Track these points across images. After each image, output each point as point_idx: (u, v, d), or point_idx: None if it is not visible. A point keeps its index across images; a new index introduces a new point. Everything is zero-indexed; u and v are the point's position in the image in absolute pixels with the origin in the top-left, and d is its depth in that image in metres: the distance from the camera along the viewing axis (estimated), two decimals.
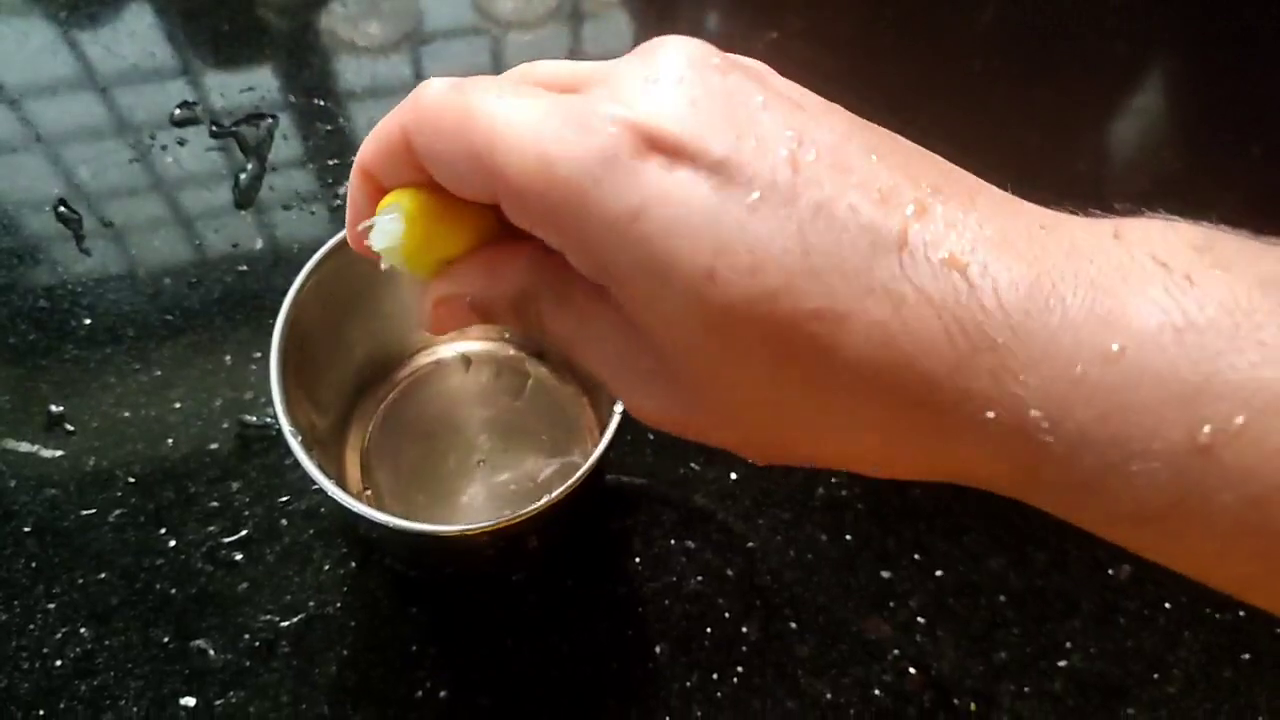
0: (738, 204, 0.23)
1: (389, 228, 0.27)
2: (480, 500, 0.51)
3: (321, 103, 0.65)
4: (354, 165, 0.28)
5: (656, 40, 0.25)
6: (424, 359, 0.54)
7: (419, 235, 0.27)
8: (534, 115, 0.24)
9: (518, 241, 0.27)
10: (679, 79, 0.24)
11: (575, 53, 0.70)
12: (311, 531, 0.51)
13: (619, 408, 0.41)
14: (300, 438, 0.39)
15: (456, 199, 0.26)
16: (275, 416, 0.52)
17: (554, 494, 0.39)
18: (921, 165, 0.25)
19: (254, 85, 0.65)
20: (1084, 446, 0.22)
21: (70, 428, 0.54)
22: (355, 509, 0.38)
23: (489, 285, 0.27)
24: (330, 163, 0.63)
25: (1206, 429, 0.21)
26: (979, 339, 0.22)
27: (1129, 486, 0.21)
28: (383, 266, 0.28)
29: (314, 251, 0.44)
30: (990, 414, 0.22)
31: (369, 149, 0.27)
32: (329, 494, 0.39)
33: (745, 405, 0.24)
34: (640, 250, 0.23)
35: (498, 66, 0.67)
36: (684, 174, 0.23)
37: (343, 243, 0.44)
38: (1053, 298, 0.22)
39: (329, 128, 0.64)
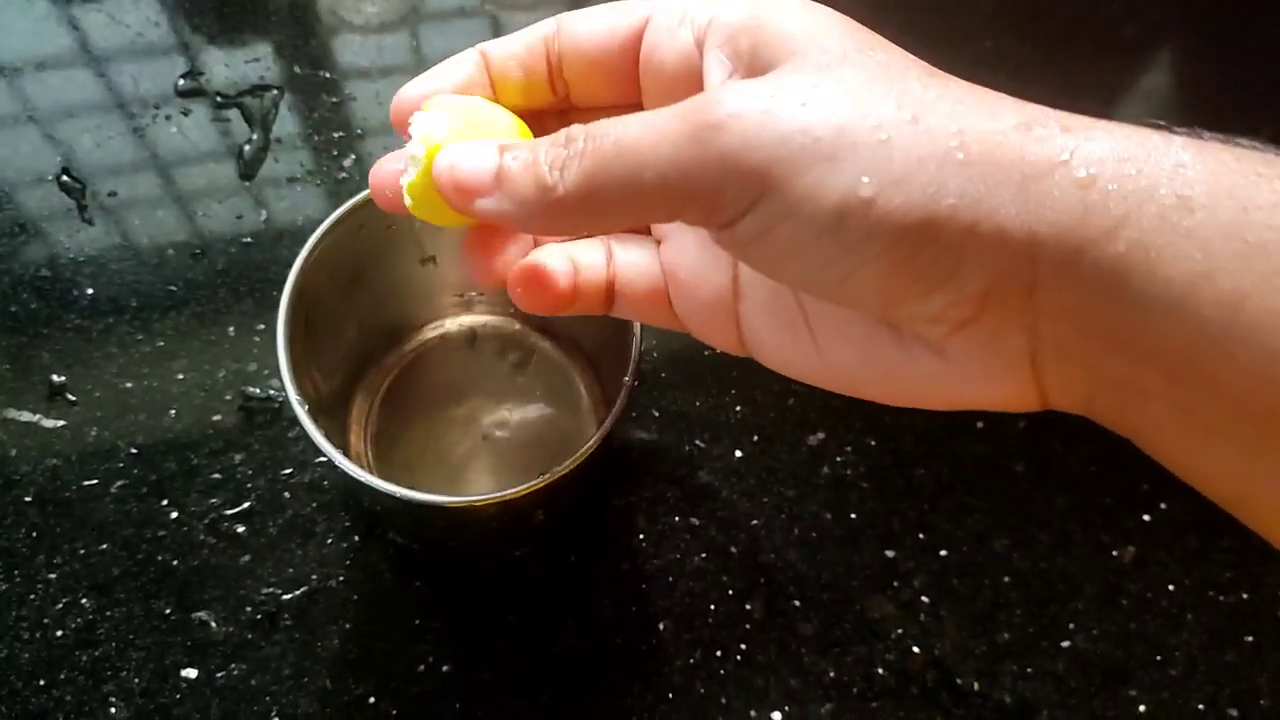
0: (869, 134, 0.23)
1: (429, 128, 0.26)
2: (483, 474, 0.51)
3: (327, 75, 0.65)
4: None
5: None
6: (429, 332, 0.54)
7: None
8: (654, 127, 0.24)
9: None
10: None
11: None
12: (314, 504, 0.51)
13: (628, 380, 0.41)
14: (307, 407, 0.39)
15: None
16: (278, 389, 0.53)
17: (562, 466, 0.39)
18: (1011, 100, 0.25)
19: (259, 57, 0.65)
20: (1182, 298, 0.21)
21: (72, 398, 0.53)
22: (363, 479, 0.38)
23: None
24: (335, 135, 0.62)
25: None
26: (1143, 179, 0.22)
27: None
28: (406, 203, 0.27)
29: (318, 225, 0.44)
30: (1139, 244, 0.21)
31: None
32: (336, 464, 0.38)
33: (860, 291, 0.24)
34: (790, 150, 0.23)
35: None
36: (813, 105, 0.23)
37: (349, 213, 0.44)
38: (1197, 149, 0.22)
39: (334, 100, 0.63)
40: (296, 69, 0.64)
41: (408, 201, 0.27)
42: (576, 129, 0.25)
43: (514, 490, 0.39)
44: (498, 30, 0.68)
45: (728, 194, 0.23)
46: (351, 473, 0.38)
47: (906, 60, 0.25)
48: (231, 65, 0.64)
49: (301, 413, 0.39)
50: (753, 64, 0.25)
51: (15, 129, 0.61)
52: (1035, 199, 0.22)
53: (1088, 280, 0.22)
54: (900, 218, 0.22)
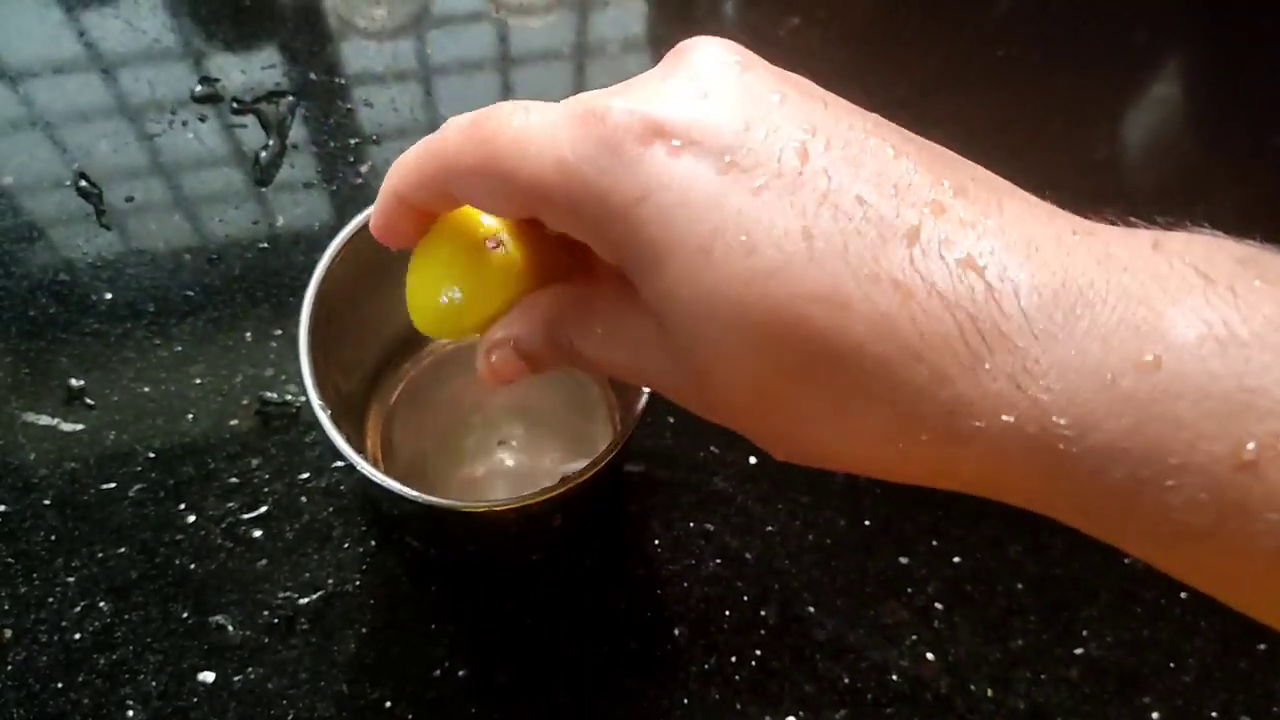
0: (740, 188, 0.23)
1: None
2: (499, 479, 0.51)
3: (343, 81, 0.65)
4: (385, 190, 0.29)
5: (683, 43, 0.26)
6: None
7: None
8: (549, 120, 0.25)
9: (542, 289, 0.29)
10: (695, 75, 0.25)
11: (583, 41, 0.69)
12: (331, 509, 0.51)
13: (647, 389, 0.41)
14: (329, 412, 0.39)
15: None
16: (295, 394, 0.53)
17: (581, 473, 0.39)
18: (948, 167, 0.24)
19: (274, 63, 0.65)
20: (1113, 460, 0.20)
21: (90, 402, 0.53)
22: (384, 484, 0.38)
23: (527, 322, 0.29)
24: (352, 141, 0.62)
25: (1251, 446, 0.19)
26: (996, 341, 0.21)
27: (1162, 505, 0.20)
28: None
29: (335, 230, 0.44)
30: (1009, 418, 0.21)
31: (404, 181, 0.29)
32: (358, 469, 0.39)
33: (752, 394, 0.24)
34: (644, 232, 0.23)
35: (504, 52, 0.67)
36: (688, 159, 0.23)
37: (360, 226, 0.44)
38: (1080, 305, 0.21)
39: (349, 106, 0.64)
40: (312, 75, 0.65)
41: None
42: (563, 343, 0.29)
43: (533, 495, 0.39)
44: (505, 36, 0.68)
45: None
46: (373, 477, 0.39)
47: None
48: (247, 71, 0.64)
49: (324, 418, 0.39)
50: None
51: (32, 135, 0.61)
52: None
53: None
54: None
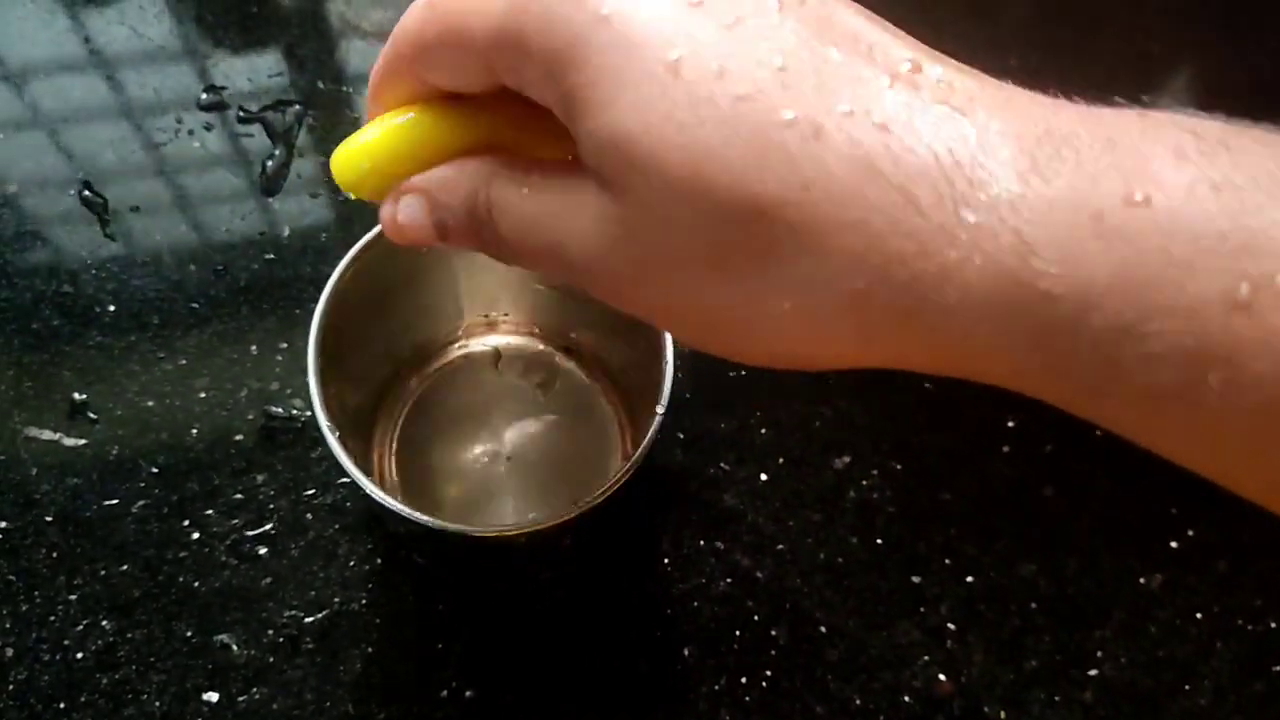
0: (713, 20, 0.22)
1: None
2: (507, 496, 0.51)
3: (349, 90, 0.64)
4: (368, 102, 0.29)
5: None
6: (454, 352, 0.54)
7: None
8: None
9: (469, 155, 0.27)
10: None
11: None
12: (337, 526, 0.51)
13: (660, 409, 0.41)
14: (337, 434, 0.39)
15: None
16: (301, 408, 0.52)
17: (595, 496, 0.39)
18: (927, 47, 0.23)
19: (280, 71, 0.64)
20: (1097, 302, 0.19)
21: (93, 416, 0.53)
22: (393, 507, 0.38)
23: (448, 178, 0.27)
24: None
25: (1244, 287, 0.18)
26: (975, 174, 0.20)
27: (1145, 356, 0.19)
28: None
29: (342, 240, 0.44)
30: (990, 248, 0.20)
31: (377, 79, 0.28)
32: (368, 492, 0.38)
33: (703, 249, 0.22)
34: (605, 56, 0.22)
35: None
36: None
37: (380, 235, 0.43)
38: (1065, 149, 0.20)
39: (356, 115, 0.63)
40: (319, 84, 0.64)
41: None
42: (479, 202, 0.26)
43: (545, 521, 0.39)
44: None
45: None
46: (382, 501, 0.38)
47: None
48: (254, 79, 0.64)
49: (333, 440, 0.39)
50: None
51: (37, 142, 0.61)
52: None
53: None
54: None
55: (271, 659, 0.48)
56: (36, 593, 0.49)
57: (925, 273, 0.21)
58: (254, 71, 0.64)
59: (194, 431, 0.53)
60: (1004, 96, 0.22)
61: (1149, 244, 0.19)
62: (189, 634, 0.48)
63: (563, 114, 0.24)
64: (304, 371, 0.41)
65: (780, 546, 0.52)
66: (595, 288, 0.25)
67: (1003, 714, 0.49)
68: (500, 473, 0.51)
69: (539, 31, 0.23)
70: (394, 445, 0.52)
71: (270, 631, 0.48)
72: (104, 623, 0.48)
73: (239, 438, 0.53)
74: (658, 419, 0.40)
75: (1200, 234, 0.19)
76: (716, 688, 0.48)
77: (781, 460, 0.54)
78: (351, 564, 0.50)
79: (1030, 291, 0.20)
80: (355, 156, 0.27)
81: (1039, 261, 0.20)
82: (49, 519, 0.50)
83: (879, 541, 0.52)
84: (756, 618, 0.50)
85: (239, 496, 0.51)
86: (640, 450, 0.40)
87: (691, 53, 0.21)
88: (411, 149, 0.27)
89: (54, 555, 0.50)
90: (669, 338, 0.42)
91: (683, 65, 0.21)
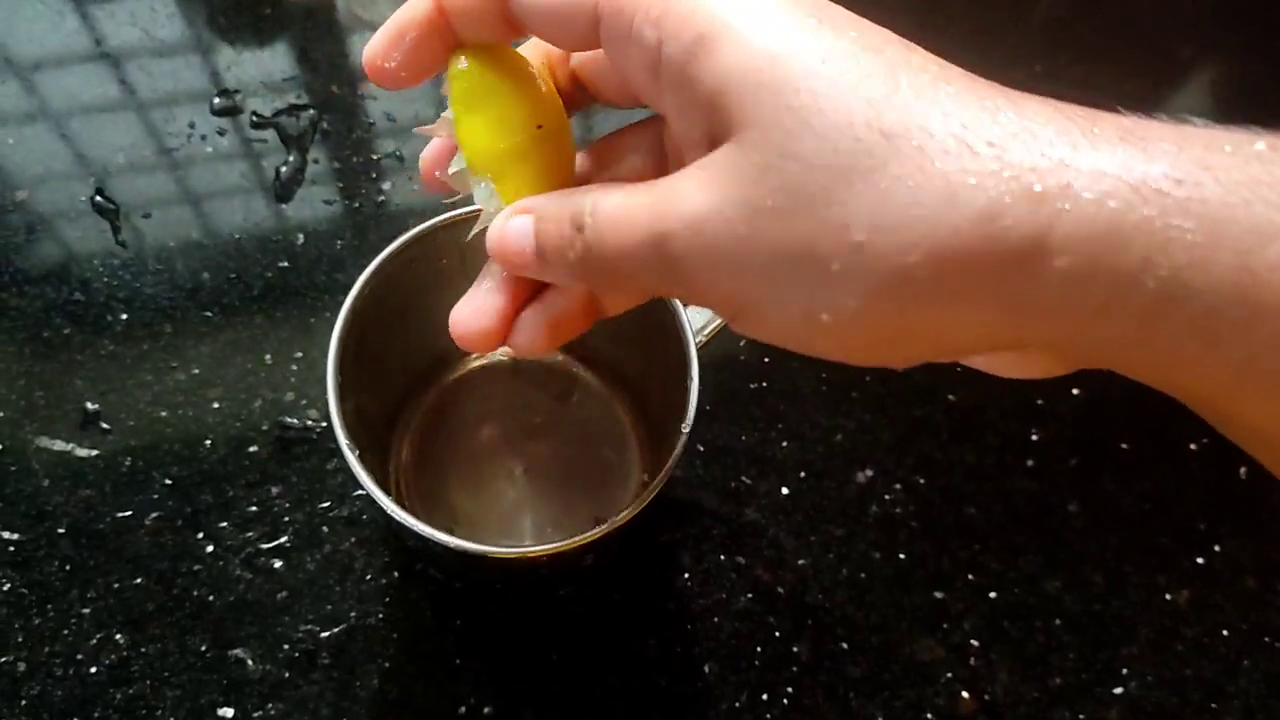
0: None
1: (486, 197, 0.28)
2: (525, 508, 0.50)
3: (363, 95, 0.63)
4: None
5: None
6: (472, 362, 0.53)
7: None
8: None
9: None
10: None
11: None
12: (353, 539, 0.50)
13: (685, 427, 0.40)
14: (358, 453, 0.38)
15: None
16: (316, 419, 0.52)
17: (620, 517, 0.38)
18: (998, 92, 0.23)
19: (294, 75, 0.63)
20: (1221, 222, 0.19)
21: (106, 426, 0.52)
22: (412, 525, 0.37)
23: (551, 203, 0.27)
24: (374, 157, 0.61)
25: None
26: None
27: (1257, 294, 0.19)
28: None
29: (356, 249, 0.43)
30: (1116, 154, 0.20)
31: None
32: (389, 512, 0.37)
33: (830, 176, 0.21)
34: None
35: None
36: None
37: (401, 248, 0.43)
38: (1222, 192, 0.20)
39: (371, 121, 0.62)
40: (334, 88, 0.63)
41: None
42: (585, 211, 0.25)
43: (568, 542, 0.38)
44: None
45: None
46: (402, 520, 0.37)
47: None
48: (267, 83, 0.63)
49: (352, 459, 0.38)
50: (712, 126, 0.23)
51: (47, 146, 0.60)
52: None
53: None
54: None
55: (287, 674, 0.47)
56: (49, 606, 0.48)
57: (1046, 191, 0.20)
58: (267, 75, 0.63)
59: (208, 442, 0.52)
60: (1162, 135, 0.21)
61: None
62: (203, 648, 0.48)
63: (682, 53, 0.23)
64: (319, 381, 0.40)
65: (802, 561, 0.51)
66: (695, 276, 0.24)
67: None
68: (518, 484, 0.51)
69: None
70: (410, 456, 0.51)
71: (286, 646, 0.48)
72: (117, 637, 0.48)
73: (253, 449, 0.52)
74: (683, 438, 0.40)
75: None
76: (737, 705, 0.48)
77: (803, 474, 0.53)
78: (368, 578, 0.49)
79: (1151, 212, 0.20)
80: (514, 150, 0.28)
81: (1165, 175, 0.20)
82: (61, 531, 0.50)
83: (902, 556, 0.51)
84: (778, 633, 0.49)
85: (253, 509, 0.51)
86: (665, 469, 0.39)
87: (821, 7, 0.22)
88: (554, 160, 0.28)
89: (66, 568, 0.49)
90: (693, 351, 0.42)
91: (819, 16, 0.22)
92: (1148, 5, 0.72)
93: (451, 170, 0.28)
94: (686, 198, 0.23)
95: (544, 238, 0.26)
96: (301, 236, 0.58)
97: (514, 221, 0.27)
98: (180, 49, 0.64)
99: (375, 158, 0.61)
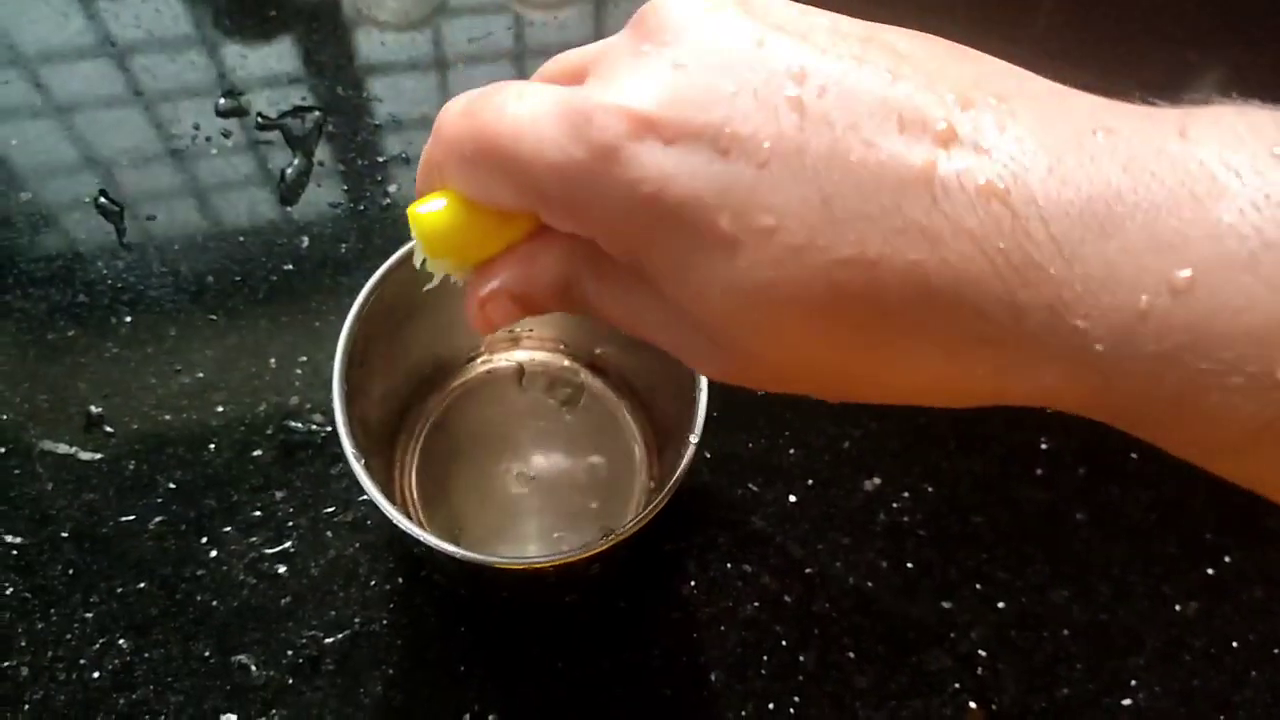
0: (746, 164, 0.22)
1: (432, 204, 0.27)
2: (530, 514, 0.50)
3: (368, 96, 0.63)
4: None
5: (644, 6, 0.24)
6: (478, 368, 0.53)
7: (458, 219, 0.27)
8: (538, 114, 0.24)
9: (552, 231, 0.26)
10: (664, 39, 0.23)
11: (601, 35, 0.67)
12: (357, 544, 0.50)
13: (694, 439, 0.40)
14: (363, 461, 0.38)
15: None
16: (321, 424, 0.51)
17: (626, 528, 0.38)
18: (948, 70, 0.23)
19: (300, 77, 0.63)
20: (1156, 379, 0.20)
21: (109, 429, 0.52)
22: (418, 535, 0.37)
23: (529, 275, 0.27)
24: (379, 159, 0.61)
25: None
26: (1030, 272, 0.21)
27: (1208, 417, 0.20)
28: (425, 266, 0.28)
29: (361, 253, 0.43)
30: (1051, 343, 0.21)
31: (418, 182, 0.28)
32: (396, 523, 0.37)
33: (799, 363, 0.24)
34: (660, 232, 0.23)
35: (519, 49, 0.66)
36: (683, 148, 0.22)
37: (409, 254, 0.42)
38: (1109, 223, 0.20)
39: (377, 123, 0.62)
40: (339, 89, 0.63)
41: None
42: None
43: (575, 553, 0.38)
44: (520, 29, 0.67)
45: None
46: (407, 529, 0.37)
47: None
48: (273, 84, 0.63)
49: (358, 467, 0.38)
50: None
51: (51, 148, 0.60)
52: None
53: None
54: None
55: (291, 680, 0.47)
56: (52, 610, 0.48)
57: (1003, 363, 0.22)
58: (272, 74, 0.63)
59: (212, 446, 0.52)
60: (1043, 149, 0.21)
61: (1197, 333, 0.20)
62: (207, 654, 0.47)
63: (623, 257, 0.24)
64: (324, 385, 0.40)
65: (809, 570, 0.51)
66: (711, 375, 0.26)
67: None
68: (523, 491, 0.50)
69: (590, 206, 0.23)
70: (415, 462, 0.51)
71: (289, 652, 0.48)
72: (121, 642, 0.47)
73: (258, 453, 0.52)
74: (691, 448, 0.39)
75: (1241, 314, 0.19)
76: (743, 714, 0.48)
77: (810, 482, 0.53)
78: (372, 583, 0.49)
79: (1093, 367, 0.21)
80: (438, 229, 0.27)
81: (1096, 350, 0.21)
82: (64, 535, 0.49)
83: (909, 565, 0.51)
84: (784, 642, 0.49)
85: (258, 513, 0.50)
86: (674, 480, 0.39)
87: (741, 215, 0.22)
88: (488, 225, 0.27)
89: (70, 572, 0.49)
90: None
91: (738, 237, 0.22)
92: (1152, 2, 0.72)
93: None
94: (693, 344, 0.26)
95: (529, 302, 0.28)
96: (306, 239, 0.58)
97: (494, 301, 0.28)
98: (186, 48, 0.64)
99: (381, 159, 0.61)
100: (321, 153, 0.61)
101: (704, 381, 0.41)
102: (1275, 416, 0.20)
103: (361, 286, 0.42)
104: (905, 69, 0.22)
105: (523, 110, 0.24)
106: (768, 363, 0.24)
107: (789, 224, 0.21)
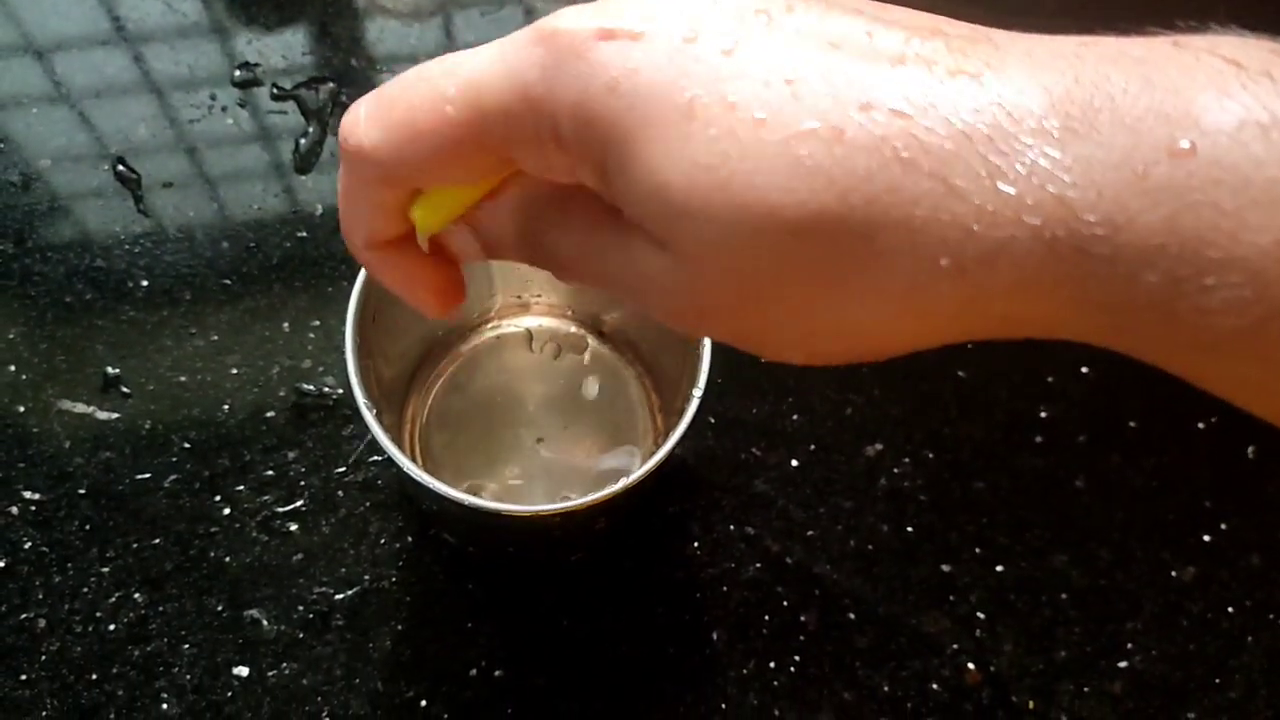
0: (711, 50, 0.21)
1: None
2: (537, 477, 0.51)
3: (381, 67, 0.64)
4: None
5: None
6: (486, 333, 0.54)
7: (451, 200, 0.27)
8: (494, 56, 0.23)
9: (505, 185, 0.26)
10: None
11: None
12: (368, 503, 0.51)
13: (697, 392, 0.41)
14: (374, 411, 0.39)
15: None
16: (333, 386, 0.52)
17: (631, 479, 0.39)
18: (919, 17, 0.22)
19: (314, 49, 0.64)
20: (1149, 259, 0.19)
21: (126, 390, 0.53)
22: (430, 484, 0.38)
23: (494, 214, 0.27)
24: None
25: None
26: (1011, 145, 0.19)
27: (1201, 308, 0.19)
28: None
29: None
30: (1034, 220, 0.19)
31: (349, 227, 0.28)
32: (405, 470, 0.38)
33: (751, 276, 0.22)
34: (621, 119, 0.22)
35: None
36: (650, 43, 0.22)
37: None
38: (1098, 98, 0.19)
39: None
40: (353, 61, 0.64)
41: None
42: None
43: (580, 501, 0.39)
44: (531, 17, 0.67)
45: None
46: (419, 478, 0.38)
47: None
48: (287, 56, 0.64)
49: (370, 417, 0.39)
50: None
51: (68, 117, 0.61)
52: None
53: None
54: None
55: (301, 635, 0.48)
56: (69, 565, 0.49)
57: (977, 257, 0.20)
58: (287, 49, 0.64)
59: (226, 407, 0.53)
60: (1023, 50, 0.21)
61: (1197, 198, 0.18)
62: (220, 608, 0.48)
63: (596, 184, 0.24)
64: (336, 349, 0.41)
65: (810, 533, 0.52)
66: (664, 321, 0.25)
67: (1031, 704, 0.48)
68: (531, 453, 0.51)
69: (557, 114, 0.22)
70: (425, 425, 0.52)
71: (300, 608, 0.49)
72: (136, 595, 0.49)
73: (270, 414, 0.53)
74: (695, 400, 0.40)
75: (1250, 182, 0.18)
76: (745, 672, 0.48)
77: (813, 447, 0.53)
78: (382, 542, 0.50)
79: (1082, 251, 0.19)
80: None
81: (1086, 221, 0.19)
82: (82, 491, 0.51)
83: (910, 530, 0.52)
84: (786, 603, 0.50)
85: (270, 473, 0.51)
86: (678, 432, 0.40)
87: (701, 91, 0.21)
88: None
89: (86, 528, 0.50)
90: None
91: (695, 107, 0.21)
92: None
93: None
94: (641, 274, 0.24)
95: (496, 246, 0.28)
96: (320, 208, 0.59)
97: (456, 236, 0.28)
98: (199, 23, 0.65)
99: None
100: (335, 124, 0.61)
101: (708, 340, 0.42)
102: (1277, 303, 0.18)
103: None
104: (872, 9, 0.22)
105: (475, 63, 0.23)
106: (728, 289, 0.23)
107: (750, 101, 0.21)
